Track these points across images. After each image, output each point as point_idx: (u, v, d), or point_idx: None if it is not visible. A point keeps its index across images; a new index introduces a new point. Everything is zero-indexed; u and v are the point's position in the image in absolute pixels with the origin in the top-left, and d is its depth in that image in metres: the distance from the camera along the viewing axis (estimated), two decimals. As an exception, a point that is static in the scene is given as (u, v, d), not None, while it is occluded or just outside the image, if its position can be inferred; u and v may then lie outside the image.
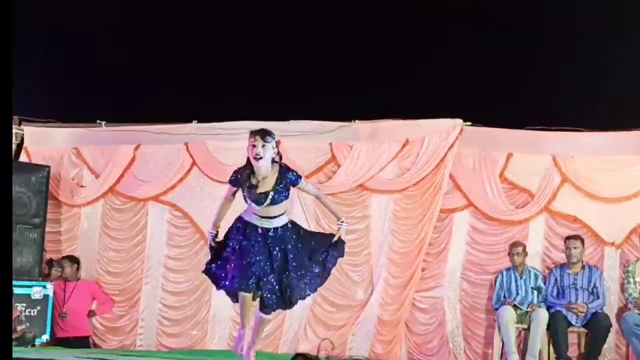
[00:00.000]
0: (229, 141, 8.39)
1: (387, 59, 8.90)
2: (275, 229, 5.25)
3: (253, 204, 5.20)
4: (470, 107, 8.05)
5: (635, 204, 7.77)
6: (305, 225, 6.03)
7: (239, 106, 8.48)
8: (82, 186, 8.79)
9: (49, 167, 8.43)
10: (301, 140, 8.23)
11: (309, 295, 5.46)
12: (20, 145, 8.81)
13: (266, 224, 5.25)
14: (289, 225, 5.34)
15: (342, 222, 5.48)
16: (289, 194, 5.25)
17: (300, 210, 7.89)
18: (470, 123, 8.05)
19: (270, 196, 5.13)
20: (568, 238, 7.55)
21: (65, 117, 8.87)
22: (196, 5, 9.22)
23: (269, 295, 5.23)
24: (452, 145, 7.97)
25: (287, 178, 5.19)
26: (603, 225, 7.75)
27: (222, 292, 8.21)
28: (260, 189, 5.14)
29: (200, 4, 9.23)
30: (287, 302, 5.35)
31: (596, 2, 8.25)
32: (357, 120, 8.25)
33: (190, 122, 8.56)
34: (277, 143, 5.23)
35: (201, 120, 8.53)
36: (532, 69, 8.47)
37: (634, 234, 7.70)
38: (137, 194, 8.61)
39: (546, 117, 7.94)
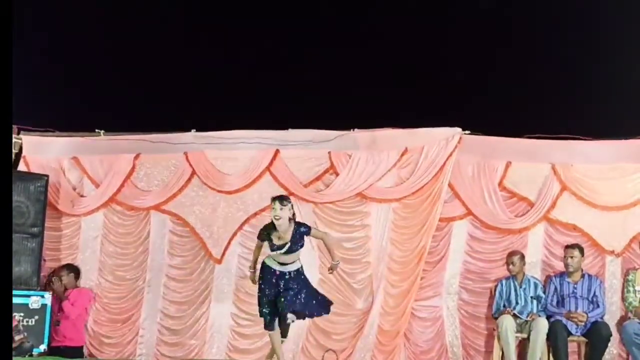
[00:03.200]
0: (228, 150, 8.39)
1: (386, 68, 8.92)
2: (290, 272, 6.41)
3: (275, 252, 6.35)
4: (469, 116, 8.05)
5: (635, 212, 7.78)
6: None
7: (238, 115, 8.48)
8: (82, 196, 8.77)
9: (47, 176, 8.40)
10: (300, 149, 8.23)
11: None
12: (18, 155, 8.77)
13: (283, 268, 6.40)
14: (300, 270, 6.48)
15: (336, 262, 6.65)
16: (303, 243, 6.42)
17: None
18: (469, 132, 8.04)
19: (287, 246, 6.27)
20: (566, 247, 7.55)
21: (63, 126, 8.85)
22: (195, 16, 9.24)
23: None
24: (451, 154, 7.96)
25: (300, 231, 6.31)
26: (603, 233, 7.76)
27: (220, 301, 8.25)
28: (282, 241, 6.28)
29: (199, 15, 9.25)
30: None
31: (595, 11, 8.28)
32: (356, 129, 8.24)
33: (189, 131, 8.54)
34: (292, 206, 6.33)
35: (200, 129, 8.51)
36: (531, 77, 8.48)
37: (634, 242, 7.70)
38: (138, 203, 8.58)
39: (545, 125, 7.95)
